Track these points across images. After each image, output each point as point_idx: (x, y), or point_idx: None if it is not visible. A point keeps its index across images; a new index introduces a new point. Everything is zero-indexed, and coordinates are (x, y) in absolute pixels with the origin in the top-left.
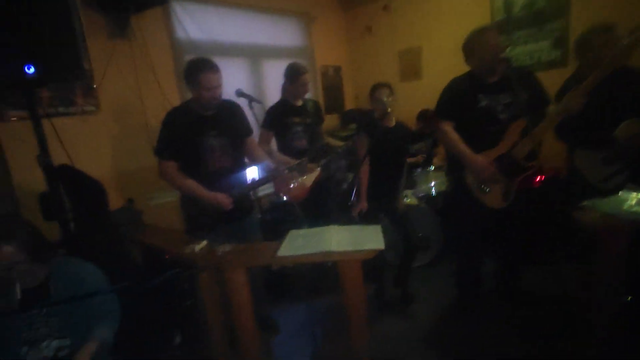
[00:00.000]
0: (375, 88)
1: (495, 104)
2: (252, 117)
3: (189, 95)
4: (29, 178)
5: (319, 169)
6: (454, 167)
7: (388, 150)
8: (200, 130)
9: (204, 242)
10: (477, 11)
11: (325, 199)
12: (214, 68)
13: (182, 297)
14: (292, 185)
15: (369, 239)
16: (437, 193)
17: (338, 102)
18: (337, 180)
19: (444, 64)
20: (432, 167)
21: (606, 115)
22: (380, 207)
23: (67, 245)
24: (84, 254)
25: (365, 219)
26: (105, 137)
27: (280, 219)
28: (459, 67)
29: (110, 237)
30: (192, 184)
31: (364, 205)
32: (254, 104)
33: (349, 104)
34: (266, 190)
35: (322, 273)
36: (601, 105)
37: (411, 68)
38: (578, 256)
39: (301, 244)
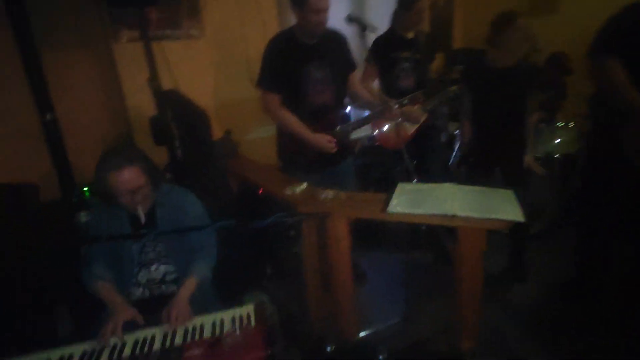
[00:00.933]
0: (512, 17)
1: None
2: (363, 47)
3: None
4: (141, 101)
5: (425, 114)
6: (607, 121)
7: (506, 95)
8: (302, 60)
9: (304, 185)
10: None
11: (425, 151)
12: None
13: (284, 241)
14: (393, 130)
15: (501, 206)
16: (560, 155)
17: (446, 39)
18: (438, 130)
19: None
20: (560, 124)
21: None
22: (493, 167)
23: (173, 172)
24: (187, 183)
25: (473, 179)
26: (208, 65)
27: (377, 165)
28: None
29: (212, 167)
30: (294, 121)
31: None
32: (367, 31)
33: (458, 43)
34: (360, 133)
35: (410, 228)
36: None
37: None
38: None
39: (416, 200)
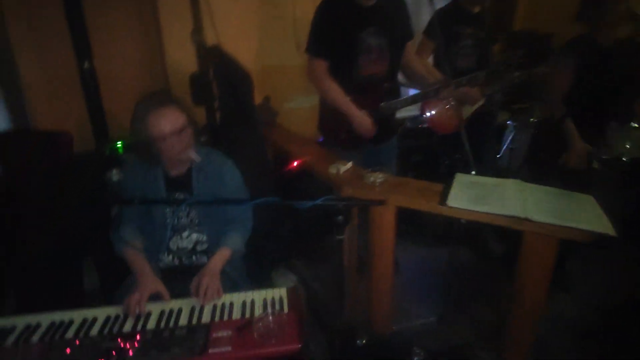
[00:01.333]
0: None
1: None
2: (431, 10)
3: None
4: (182, 57)
5: (483, 98)
6: None
7: (604, 80)
8: (357, 24)
9: (350, 164)
10: None
11: (477, 140)
12: None
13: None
14: (445, 112)
15: (583, 213)
16: (629, 159)
17: (506, 18)
18: (492, 118)
19: None
20: (634, 124)
21: None
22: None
23: (210, 135)
24: (223, 148)
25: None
26: (253, 24)
27: (422, 149)
28: None
29: (250, 134)
30: (339, 93)
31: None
32: None
33: (519, 23)
34: (407, 112)
35: (448, 220)
36: None
37: None
38: None
39: (479, 196)
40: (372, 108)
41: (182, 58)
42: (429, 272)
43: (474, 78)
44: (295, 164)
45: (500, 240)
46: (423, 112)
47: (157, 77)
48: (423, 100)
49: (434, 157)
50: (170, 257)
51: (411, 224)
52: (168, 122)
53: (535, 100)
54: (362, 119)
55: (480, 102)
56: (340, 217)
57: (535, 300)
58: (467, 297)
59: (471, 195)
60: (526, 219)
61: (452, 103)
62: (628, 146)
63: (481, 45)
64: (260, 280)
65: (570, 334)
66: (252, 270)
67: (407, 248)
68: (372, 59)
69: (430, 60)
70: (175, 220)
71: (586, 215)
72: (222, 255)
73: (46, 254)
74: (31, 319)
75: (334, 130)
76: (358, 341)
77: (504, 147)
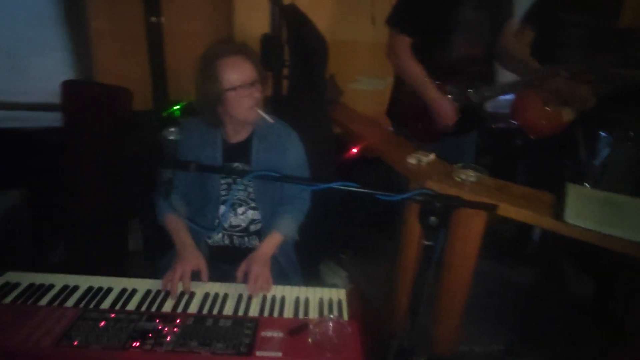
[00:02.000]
0: None
1: None
2: None
3: None
4: (251, 19)
5: (593, 100)
6: None
7: None
8: None
9: (432, 156)
10: None
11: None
12: None
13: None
14: (541, 110)
15: None
16: None
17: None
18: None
19: None
20: None
21: None
22: None
23: (274, 104)
24: (289, 118)
25: None
26: None
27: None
28: None
29: (317, 108)
30: (421, 74)
31: None
32: None
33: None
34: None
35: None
36: None
37: None
38: None
39: (606, 216)
40: (459, 94)
41: (252, 19)
42: (500, 294)
43: (587, 69)
44: (360, 147)
45: (581, 276)
46: (515, 108)
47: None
48: (524, 88)
49: (523, 160)
50: (221, 234)
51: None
52: (239, 71)
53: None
54: (445, 106)
55: (590, 105)
56: (433, 219)
57: None
58: (541, 331)
59: (597, 213)
60: None
61: (551, 102)
62: None
63: (595, 35)
64: (308, 272)
65: None
66: (302, 260)
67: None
68: (468, 37)
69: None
70: (231, 195)
71: None
72: (273, 241)
73: (97, 209)
74: (70, 280)
75: (408, 117)
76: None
77: (598, 162)
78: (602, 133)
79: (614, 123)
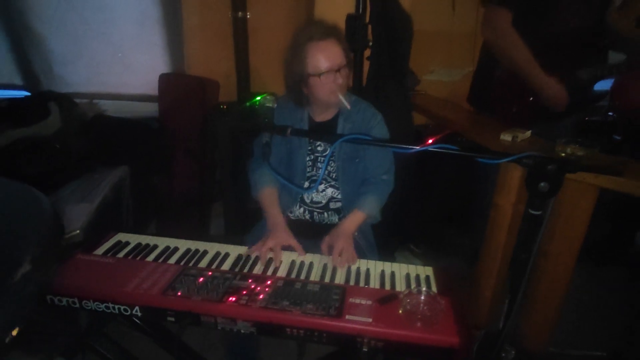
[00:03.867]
0: None
1: None
2: None
3: None
4: (333, 5)
5: None
6: None
7: None
8: None
9: (528, 133)
10: None
11: None
12: None
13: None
14: None
15: None
16: None
17: None
18: None
19: None
20: None
21: None
22: None
23: (356, 87)
24: (373, 99)
25: None
26: None
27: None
28: None
29: (399, 91)
30: (526, 52)
31: None
32: None
33: None
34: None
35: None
36: None
37: None
38: None
39: None
40: (568, 75)
41: (334, 5)
42: (604, 297)
43: None
44: (447, 132)
45: None
46: (619, 88)
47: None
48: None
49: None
50: (302, 209)
51: None
52: (327, 56)
53: None
54: (556, 90)
55: None
56: (544, 184)
57: None
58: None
59: None
60: None
61: None
62: None
63: None
64: (385, 257)
65: None
66: (379, 245)
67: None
68: (575, 9)
69: None
70: (315, 172)
71: None
72: (356, 218)
73: (184, 191)
74: (171, 242)
75: (498, 101)
76: (503, 355)
77: None
78: None
79: None
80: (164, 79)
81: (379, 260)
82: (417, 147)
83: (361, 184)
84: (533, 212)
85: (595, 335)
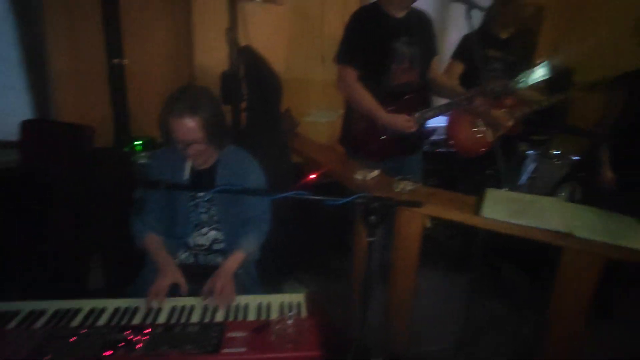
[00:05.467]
0: None
1: None
2: (469, 29)
3: None
4: (211, 59)
5: (512, 120)
6: None
7: None
8: (389, 33)
9: (377, 172)
10: None
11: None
12: None
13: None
14: (470, 133)
15: (629, 233)
16: None
17: (528, 51)
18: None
19: None
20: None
21: None
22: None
23: (235, 136)
24: (249, 149)
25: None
26: (283, 35)
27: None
28: None
29: (275, 138)
30: (370, 99)
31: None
32: (473, 12)
33: (542, 55)
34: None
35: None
36: None
37: None
38: None
39: (517, 210)
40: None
41: (211, 61)
42: (448, 298)
43: (504, 88)
44: (318, 172)
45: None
46: (449, 134)
47: (184, 77)
48: (456, 107)
49: (457, 179)
50: (187, 253)
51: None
52: (181, 133)
53: (555, 133)
54: (395, 118)
55: (509, 124)
56: (373, 217)
57: (573, 328)
58: (487, 325)
59: (508, 208)
60: (569, 234)
61: (479, 127)
62: None
63: (510, 69)
64: (271, 290)
65: None
66: (264, 279)
67: (425, 273)
68: (404, 68)
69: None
70: (196, 215)
71: (632, 235)
72: (236, 258)
73: (58, 244)
74: (36, 305)
75: (360, 141)
76: None
77: (526, 176)
78: (529, 151)
79: (537, 143)
80: (27, 125)
81: (264, 293)
82: (277, 195)
83: (242, 225)
84: (369, 239)
85: (443, 331)
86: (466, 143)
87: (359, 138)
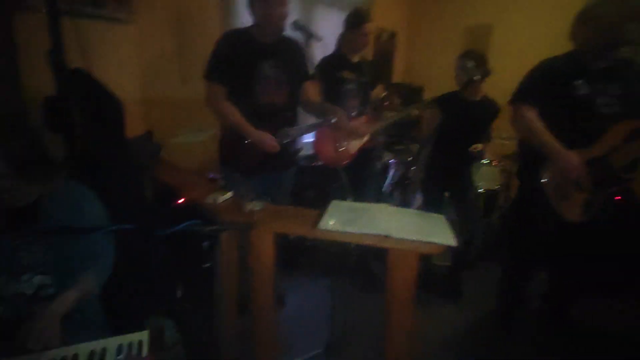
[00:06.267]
0: (467, 53)
1: (597, 94)
2: (307, 56)
3: None
4: (40, 81)
5: (368, 135)
6: (530, 165)
7: (466, 126)
8: (256, 55)
9: (229, 194)
10: None
11: (363, 174)
12: None
13: (198, 255)
14: (334, 147)
15: (435, 230)
16: (484, 190)
17: (386, 71)
18: (377, 155)
19: (517, 45)
20: (485, 161)
21: None
22: (444, 193)
23: (71, 166)
24: (88, 180)
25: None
26: (135, 54)
27: (309, 183)
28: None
29: (123, 167)
30: (237, 115)
31: None
32: (312, 40)
33: (396, 77)
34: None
35: (341, 250)
36: None
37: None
38: None
39: (350, 219)
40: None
41: (41, 84)
42: (316, 304)
43: (364, 109)
44: (180, 201)
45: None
46: (316, 148)
47: (10, 102)
48: (320, 127)
49: (320, 190)
50: (3, 307)
51: (301, 256)
52: None
53: (411, 142)
54: (261, 135)
55: (366, 138)
56: (205, 243)
57: (403, 316)
58: (354, 325)
59: (343, 219)
60: (388, 236)
61: (342, 140)
62: (481, 180)
63: (363, 89)
64: (133, 328)
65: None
66: (120, 321)
67: (294, 282)
68: (270, 89)
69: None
70: (14, 261)
71: (436, 231)
72: (65, 299)
73: None
74: None
75: (236, 156)
76: None
77: (388, 182)
78: (391, 161)
79: (398, 152)
80: None
81: (113, 335)
82: (112, 226)
83: (79, 263)
84: (205, 265)
85: (315, 337)
86: (330, 156)
87: (234, 154)
